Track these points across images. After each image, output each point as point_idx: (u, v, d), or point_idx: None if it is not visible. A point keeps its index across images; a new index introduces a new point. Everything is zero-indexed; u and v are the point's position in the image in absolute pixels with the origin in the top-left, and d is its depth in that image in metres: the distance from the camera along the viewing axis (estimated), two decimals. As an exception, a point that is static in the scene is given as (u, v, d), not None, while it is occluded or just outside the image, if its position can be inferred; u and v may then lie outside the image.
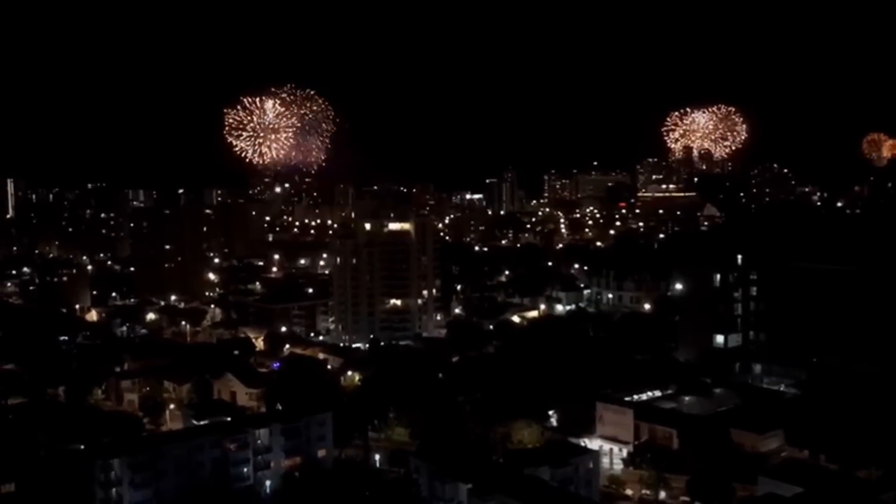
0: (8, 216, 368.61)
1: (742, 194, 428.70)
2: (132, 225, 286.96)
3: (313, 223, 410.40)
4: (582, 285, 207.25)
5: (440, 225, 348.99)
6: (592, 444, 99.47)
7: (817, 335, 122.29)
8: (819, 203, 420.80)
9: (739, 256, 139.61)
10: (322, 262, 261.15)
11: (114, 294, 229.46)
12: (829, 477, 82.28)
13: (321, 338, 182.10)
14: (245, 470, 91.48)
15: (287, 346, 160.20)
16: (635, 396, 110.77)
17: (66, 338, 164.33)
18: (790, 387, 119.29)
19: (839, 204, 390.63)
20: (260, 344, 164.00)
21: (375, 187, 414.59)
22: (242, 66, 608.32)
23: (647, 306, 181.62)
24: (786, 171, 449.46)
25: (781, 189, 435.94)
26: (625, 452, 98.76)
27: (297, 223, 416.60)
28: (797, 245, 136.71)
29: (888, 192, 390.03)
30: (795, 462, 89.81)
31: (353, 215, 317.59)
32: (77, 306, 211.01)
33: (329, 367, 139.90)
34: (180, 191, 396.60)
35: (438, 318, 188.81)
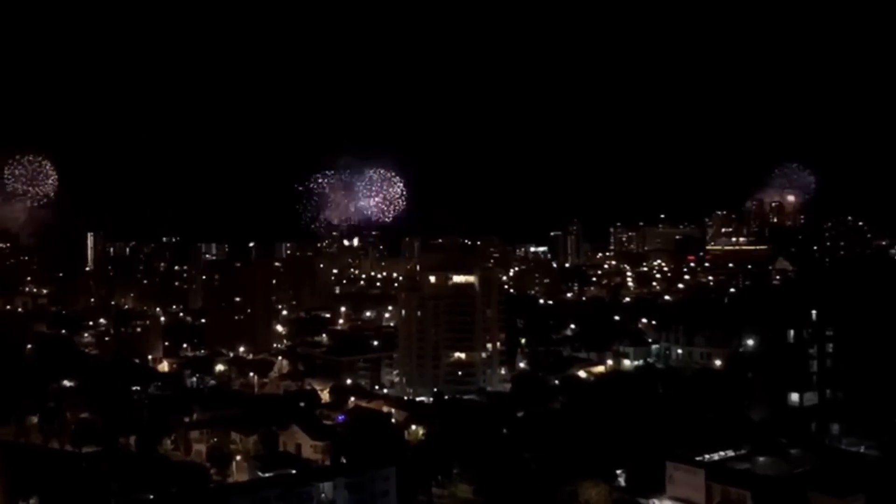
0: (87, 269, 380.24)
1: (816, 247, 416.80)
2: (204, 277, 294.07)
3: (380, 276, 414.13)
4: (650, 340, 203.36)
5: (504, 278, 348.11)
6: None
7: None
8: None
9: (814, 311, 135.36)
10: (388, 315, 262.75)
11: (185, 345, 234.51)
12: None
13: (386, 391, 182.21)
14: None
15: (352, 398, 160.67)
16: (707, 456, 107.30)
17: (139, 388, 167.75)
18: (871, 448, 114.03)
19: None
20: (326, 396, 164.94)
21: (441, 240, 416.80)
22: (312, 124, 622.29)
23: (718, 362, 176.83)
24: (861, 223, 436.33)
25: (857, 242, 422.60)
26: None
27: (363, 276, 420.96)
28: (874, 300, 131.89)
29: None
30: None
31: (418, 268, 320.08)
32: (150, 357, 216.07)
33: (393, 420, 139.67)
34: (251, 244, 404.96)
35: (503, 371, 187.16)
